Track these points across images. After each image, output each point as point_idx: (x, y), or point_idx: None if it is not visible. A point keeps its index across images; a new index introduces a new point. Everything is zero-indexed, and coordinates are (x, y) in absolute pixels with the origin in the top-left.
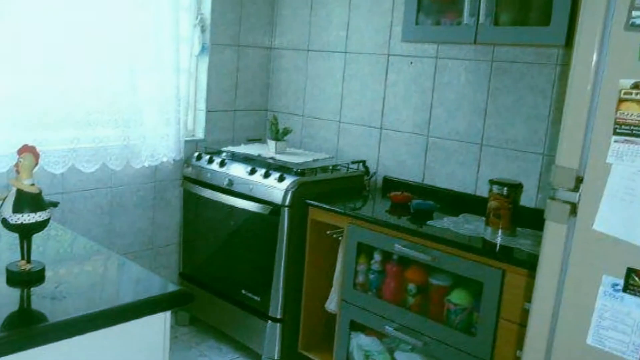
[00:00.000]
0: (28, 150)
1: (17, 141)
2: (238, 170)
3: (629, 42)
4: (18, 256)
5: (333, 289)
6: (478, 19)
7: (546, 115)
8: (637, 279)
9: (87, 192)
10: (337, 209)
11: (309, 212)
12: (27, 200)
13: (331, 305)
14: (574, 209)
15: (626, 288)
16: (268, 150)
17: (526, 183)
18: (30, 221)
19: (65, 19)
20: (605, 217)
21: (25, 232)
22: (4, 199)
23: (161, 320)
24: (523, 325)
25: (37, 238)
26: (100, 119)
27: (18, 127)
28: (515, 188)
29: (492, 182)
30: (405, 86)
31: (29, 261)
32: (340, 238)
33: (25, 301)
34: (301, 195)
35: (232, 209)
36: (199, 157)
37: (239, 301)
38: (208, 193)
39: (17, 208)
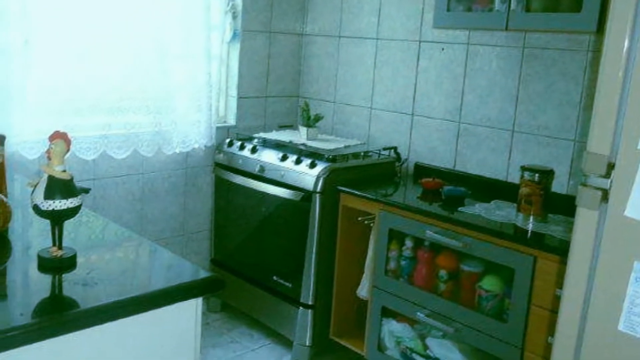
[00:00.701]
0: (59, 137)
1: (48, 127)
2: (269, 157)
3: None
4: (49, 243)
5: (364, 275)
6: (509, 5)
7: (578, 102)
8: None
9: (119, 179)
10: (369, 196)
11: (340, 198)
12: (59, 187)
13: (362, 291)
14: (605, 195)
15: None
16: (299, 136)
17: (557, 169)
18: (62, 207)
19: (97, 6)
20: (637, 203)
21: (57, 219)
22: (35, 185)
23: (193, 307)
24: (554, 311)
25: (68, 224)
26: (132, 105)
27: (49, 113)
28: (547, 174)
29: (523, 168)
30: (437, 72)
31: (60, 247)
32: (371, 224)
33: (56, 287)
34: (333, 182)
35: (264, 195)
36: (230, 144)
37: (271, 287)
38: (239, 179)
39: (49, 194)
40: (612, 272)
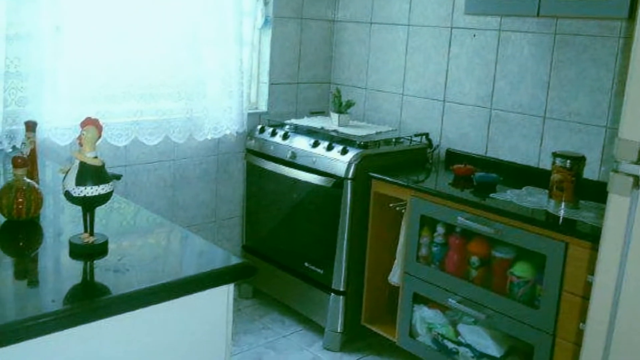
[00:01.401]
0: (91, 123)
1: (80, 114)
2: (301, 143)
3: None
4: (81, 229)
5: (396, 261)
6: None
7: (609, 88)
8: None
9: (150, 165)
10: (400, 182)
11: (372, 184)
12: (90, 173)
13: (394, 277)
14: (637, 181)
15: None
16: (331, 122)
17: (589, 156)
18: (93, 194)
19: None
20: None
21: (88, 205)
22: (67, 172)
23: (224, 293)
24: (586, 298)
25: (100, 211)
26: (163, 92)
27: (81, 99)
28: (578, 161)
29: (555, 154)
30: (468, 59)
31: (92, 234)
32: (403, 211)
33: (88, 274)
34: (364, 168)
35: (295, 181)
36: (262, 130)
37: (302, 274)
38: (271, 166)
39: (80, 181)
40: None
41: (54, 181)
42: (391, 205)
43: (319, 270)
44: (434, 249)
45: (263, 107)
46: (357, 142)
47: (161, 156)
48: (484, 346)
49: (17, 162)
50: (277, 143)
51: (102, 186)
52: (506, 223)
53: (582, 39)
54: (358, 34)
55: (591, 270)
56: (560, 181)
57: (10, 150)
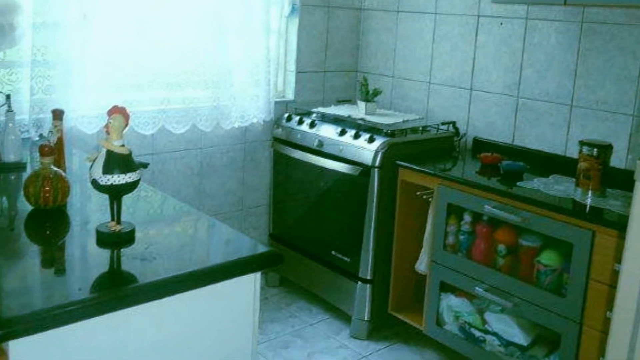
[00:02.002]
0: (118, 112)
1: (107, 102)
2: (328, 131)
3: None
4: (108, 217)
5: (423, 250)
6: None
7: (636, 76)
8: None
9: (177, 153)
10: (427, 170)
11: (399, 173)
12: (117, 161)
13: (421, 266)
14: None
15: None
16: (358, 111)
17: (616, 144)
18: (120, 182)
19: None
20: None
21: (115, 193)
22: (94, 160)
23: (251, 282)
24: (613, 286)
25: (127, 199)
26: (190, 80)
27: (108, 88)
28: (605, 149)
29: (582, 143)
30: (495, 47)
31: (119, 222)
32: (430, 199)
33: (115, 262)
34: (391, 157)
35: (322, 170)
36: (289, 118)
37: (329, 262)
38: (298, 154)
39: (107, 169)
40: None
41: (81, 169)
42: (418, 193)
43: (346, 258)
44: (461, 237)
45: (290, 95)
46: (384, 131)
47: (188, 144)
48: (510, 334)
49: (44, 151)
50: (304, 131)
51: (129, 174)
52: (533, 211)
53: (609, 27)
54: (385, 22)
55: (618, 259)
56: (587, 169)
57: (38, 138)
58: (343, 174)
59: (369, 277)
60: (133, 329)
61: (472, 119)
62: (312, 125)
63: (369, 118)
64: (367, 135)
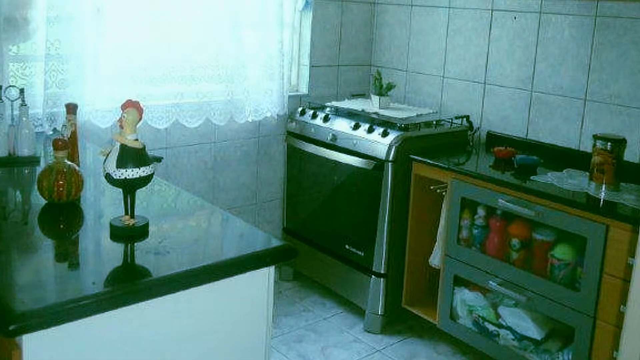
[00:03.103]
0: (132, 105)
1: (120, 96)
2: (342, 125)
3: None
4: (121, 211)
5: (436, 244)
6: None
7: None
8: None
9: (191, 147)
10: (441, 164)
11: (412, 167)
12: (131, 156)
13: (435, 260)
14: None
15: None
16: (372, 105)
17: (630, 138)
18: (134, 176)
19: None
20: None
21: (129, 187)
22: (107, 154)
23: (265, 276)
24: (627, 280)
25: (140, 193)
26: (204, 74)
27: (122, 82)
28: (619, 143)
29: (595, 137)
30: (509, 41)
31: (132, 216)
32: (443, 193)
33: (129, 256)
34: (405, 151)
35: (336, 164)
36: (302, 112)
37: (343, 256)
38: (312, 148)
39: (121, 163)
40: None
41: (95, 164)
42: (432, 187)
43: (359, 252)
44: (475, 231)
45: (304, 89)
46: (398, 125)
47: (202, 138)
48: (524, 328)
49: (57, 145)
50: (318, 125)
51: (142, 168)
52: (547, 205)
53: (622, 21)
54: (399, 16)
55: (632, 253)
56: (601, 163)
57: (51, 132)
58: (357, 168)
59: (382, 271)
60: (147, 323)
61: (485, 113)
62: (325, 119)
63: (382, 112)
64: (380, 130)
